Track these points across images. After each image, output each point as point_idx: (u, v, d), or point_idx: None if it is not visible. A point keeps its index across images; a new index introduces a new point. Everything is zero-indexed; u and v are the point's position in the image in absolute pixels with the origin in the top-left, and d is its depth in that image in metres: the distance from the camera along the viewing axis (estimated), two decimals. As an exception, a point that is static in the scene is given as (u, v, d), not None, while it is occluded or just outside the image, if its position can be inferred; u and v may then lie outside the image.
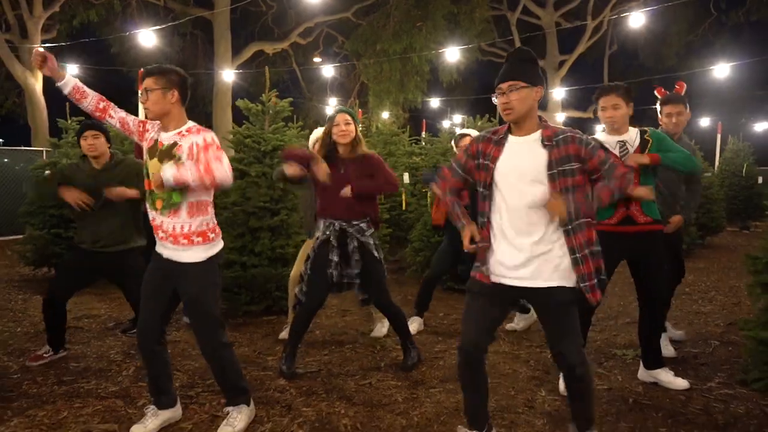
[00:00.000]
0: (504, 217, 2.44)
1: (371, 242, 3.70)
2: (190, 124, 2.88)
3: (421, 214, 7.96)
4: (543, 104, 24.39)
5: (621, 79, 23.80)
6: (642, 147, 3.37)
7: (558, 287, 2.38)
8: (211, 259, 2.85)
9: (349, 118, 3.69)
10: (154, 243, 2.95)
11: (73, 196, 3.82)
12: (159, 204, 2.82)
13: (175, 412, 3.03)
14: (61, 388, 3.50)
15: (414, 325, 4.69)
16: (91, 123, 3.97)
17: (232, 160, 5.60)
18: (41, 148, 12.71)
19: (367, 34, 18.03)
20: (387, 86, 18.18)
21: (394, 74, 17.79)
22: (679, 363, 3.98)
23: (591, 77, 26.00)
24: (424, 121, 16.38)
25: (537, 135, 2.44)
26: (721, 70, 13.59)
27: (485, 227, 2.51)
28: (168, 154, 2.79)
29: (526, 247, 2.39)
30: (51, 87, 17.87)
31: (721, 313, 5.37)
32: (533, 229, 2.39)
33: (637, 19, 13.27)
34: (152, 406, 2.98)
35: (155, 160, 2.81)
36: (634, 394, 3.44)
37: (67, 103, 7.58)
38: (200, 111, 25.66)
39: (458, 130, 5.16)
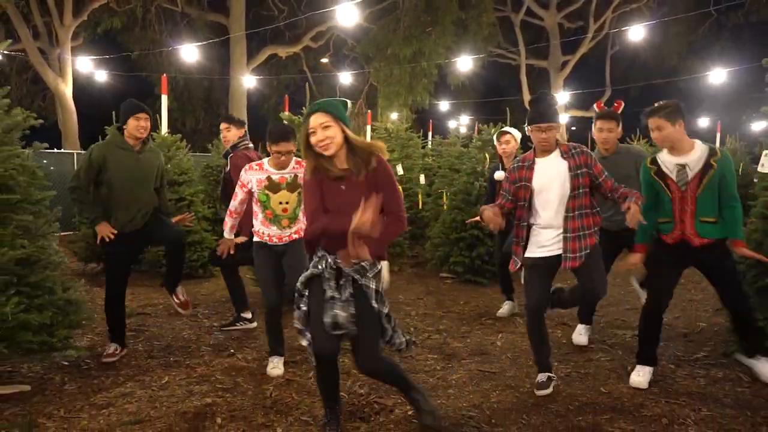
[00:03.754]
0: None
1: (371, 286, 2.80)
2: (295, 158, 3.87)
3: (437, 213, 8.65)
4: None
5: (623, 80, 24.28)
6: (702, 173, 3.48)
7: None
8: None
9: (326, 118, 2.67)
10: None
11: (104, 231, 4.08)
12: (286, 223, 3.88)
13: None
14: (154, 361, 4.21)
15: (506, 308, 5.56)
16: (143, 105, 4.16)
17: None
18: (72, 151, 13.45)
19: (377, 38, 18.69)
20: (396, 89, 18.85)
21: (404, 77, 18.46)
22: (670, 341, 4.67)
23: (594, 77, 26.72)
24: (431, 122, 17.09)
25: (557, 152, 3.48)
26: (719, 75, 14.22)
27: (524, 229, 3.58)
28: (295, 184, 3.84)
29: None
30: (80, 92, 18.72)
31: (710, 302, 6.04)
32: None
33: (637, 32, 13.91)
34: (276, 357, 4.02)
35: (284, 191, 3.82)
36: (632, 364, 4.11)
37: (113, 113, 8.27)
38: (213, 113, 26.40)
39: (504, 129, 5.60)
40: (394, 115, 19.39)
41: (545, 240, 3.47)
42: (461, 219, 7.19)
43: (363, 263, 2.78)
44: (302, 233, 3.84)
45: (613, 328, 5.08)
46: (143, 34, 19.42)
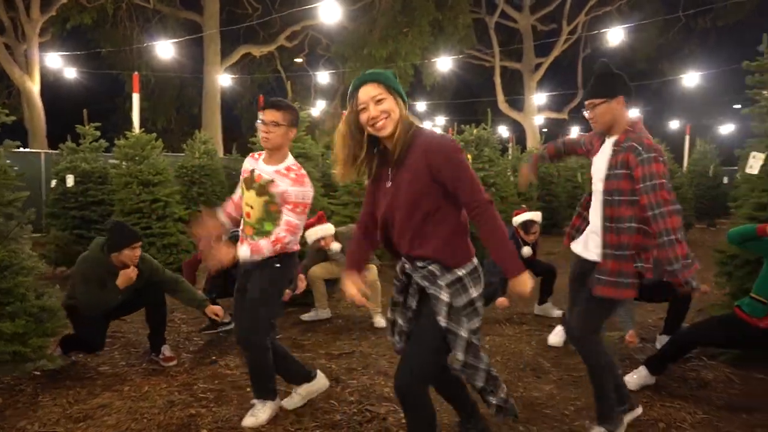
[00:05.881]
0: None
1: (442, 297, 2.25)
2: (289, 161, 3.07)
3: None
4: (519, 106, 25.29)
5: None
6: None
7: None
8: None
9: (379, 90, 2.22)
10: None
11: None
12: (249, 231, 3.09)
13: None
14: (132, 370, 4.03)
15: None
16: (139, 234, 4.07)
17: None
18: (40, 150, 13.05)
19: (353, 38, 18.58)
20: (372, 89, 18.75)
21: (380, 78, 18.38)
22: (657, 342, 4.66)
23: (567, 79, 27.01)
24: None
25: (613, 139, 2.80)
26: (691, 78, 14.47)
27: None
28: (264, 190, 3.01)
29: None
30: (48, 90, 18.18)
31: (692, 303, 6.07)
32: None
33: (609, 35, 14.11)
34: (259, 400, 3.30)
35: (252, 192, 3.05)
36: (623, 366, 4.09)
37: (85, 110, 8.01)
38: (185, 112, 25.96)
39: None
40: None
41: (587, 237, 2.91)
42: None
43: (432, 266, 2.26)
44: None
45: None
46: (114, 30, 18.97)
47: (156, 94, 23.14)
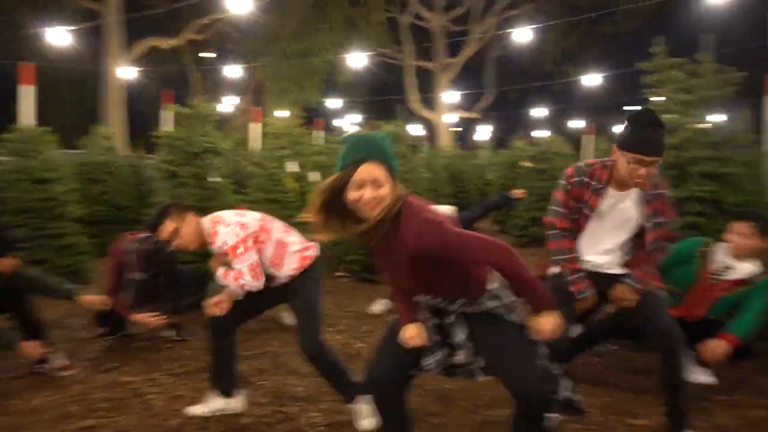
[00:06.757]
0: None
1: (516, 320, 2.26)
2: (207, 227, 3.06)
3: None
4: (432, 105, 25.70)
5: (504, 83, 25.42)
6: None
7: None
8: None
9: (382, 173, 2.00)
10: None
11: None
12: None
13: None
14: (21, 382, 3.69)
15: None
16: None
17: (162, 162, 5.82)
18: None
19: (265, 32, 18.19)
20: (286, 85, 18.46)
21: (293, 74, 18.11)
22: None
23: (478, 80, 27.77)
24: (323, 120, 16.90)
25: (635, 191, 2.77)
26: (591, 79, 15.23)
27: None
28: (228, 264, 3.01)
29: None
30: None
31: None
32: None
33: (516, 36, 14.66)
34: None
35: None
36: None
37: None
38: (84, 107, 24.47)
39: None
40: (284, 113, 18.99)
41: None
42: (358, 216, 7.06)
43: (495, 292, 2.23)
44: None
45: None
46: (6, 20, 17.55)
47: (49, 87, 21.63)
